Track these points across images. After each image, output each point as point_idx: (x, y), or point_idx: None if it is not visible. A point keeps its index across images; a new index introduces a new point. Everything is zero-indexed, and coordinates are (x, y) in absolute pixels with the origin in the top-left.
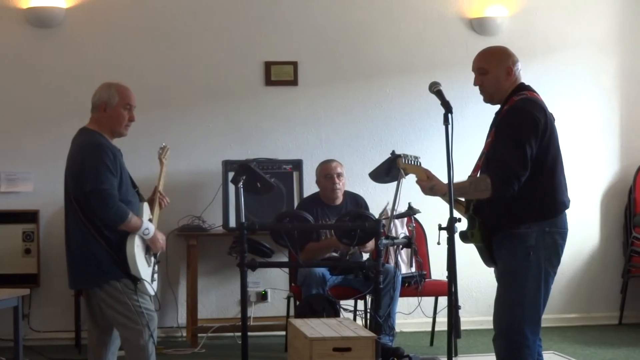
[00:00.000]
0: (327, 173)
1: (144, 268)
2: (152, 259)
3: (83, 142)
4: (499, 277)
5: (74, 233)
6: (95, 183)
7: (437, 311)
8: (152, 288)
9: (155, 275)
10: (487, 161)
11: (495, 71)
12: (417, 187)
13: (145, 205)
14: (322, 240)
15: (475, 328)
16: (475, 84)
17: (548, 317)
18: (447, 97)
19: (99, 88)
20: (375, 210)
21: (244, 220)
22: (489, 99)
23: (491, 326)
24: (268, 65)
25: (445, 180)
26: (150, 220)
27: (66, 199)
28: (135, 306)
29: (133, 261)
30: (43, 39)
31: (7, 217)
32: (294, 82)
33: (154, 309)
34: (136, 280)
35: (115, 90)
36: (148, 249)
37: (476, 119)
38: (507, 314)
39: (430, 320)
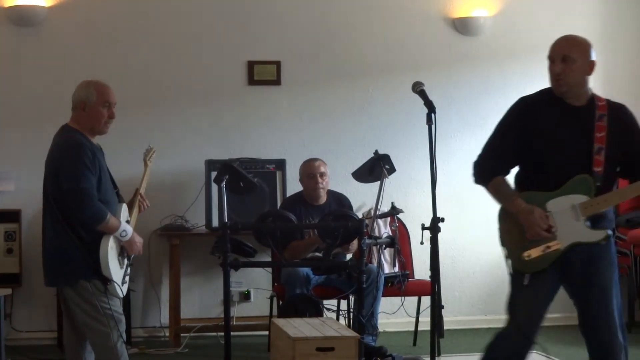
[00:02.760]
0: (309, 172)
1: (116, 270)
2: (126, 261)
3: (62, 140)
4: (602, 288)
5: (49, 230)
6: (74, 182)
7: (420, 311)
8: (121, 291)
9: (127, 278)
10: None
11: (581, 62)
12: (400, 187)
13: (124, 207)
14: (305, 239)
15: (458, 328)
16: (555, 71)
17: None
18: (430, 97)
19: (78, 86)
20: (358, 211)
21: (226, 220)
22: (566, 88)
23: (474, 326)
24: (251, 65)
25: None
26: (127, 222)
27: (44, 196)
28: (104, 308)
29: (105, 262)
30: (25, 37)
31: None
32: (277, 82)
33: (122, 312)
34: (107, 281)
35: (94, 89)
36: (122, 251)
37: (459, 119)
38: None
39: (413, 320)
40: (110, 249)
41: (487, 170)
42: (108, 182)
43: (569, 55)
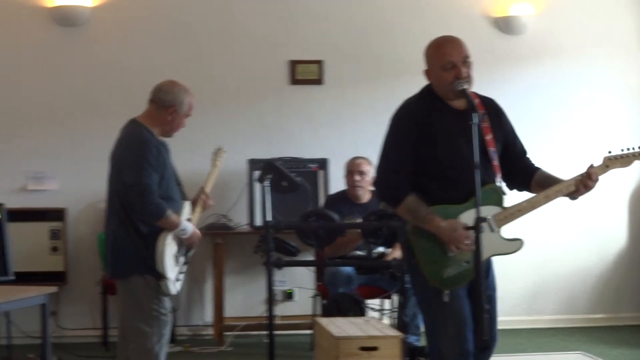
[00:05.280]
0: (350, 169)
1: (171, 267)
2: (182, 259)
3: (128, 134)
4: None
5: (111, 223)
6: (136, 178)
7: None
8: (174, 287)
9: (182, 276)
10: (518, 154)
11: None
12: None
13: (187, 204)
14: (347, 236)
15: (500, 328)
16: (463, 75)
17: (575, 318)
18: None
19: (173, 87)
20: None
21: (270, 219)
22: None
23: (516, 326)
24: (293, 64)
25: None
26: (189, 220)
27: (109, 189)
28: (152, 309)
29: (161, 258)
30: (69, 37)
31: (34, 215)
32: (319, 81)
33: (169, 311)
34: (160, 277)
35: (189, 101)
36: (180, 249)
37: None
38: None
39: None
40: (167, 246)
41: (396, 190)
42: (172, 179)
43: (469, 56)
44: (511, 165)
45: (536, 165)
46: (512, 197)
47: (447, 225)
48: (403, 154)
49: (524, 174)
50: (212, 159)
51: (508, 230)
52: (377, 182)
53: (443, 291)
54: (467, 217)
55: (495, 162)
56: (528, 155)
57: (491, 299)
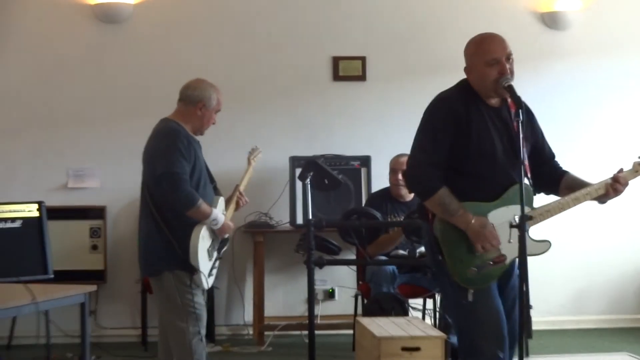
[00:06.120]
0: (392, 167)
1: (204, 261)
2: (215, 254)
3: (159, 129)
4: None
5: (142, 220)
6: (167, 166)
7: None
8: (207, 282)
9: (214, 271)
10: (547, 157)
11: None
12: None
13: (221, 199)
14: (390, 233)
15: (547, 328)
16: (505, 72)
17: (621, 318)
18: (518, 92)
19: (200, 84)
20: None
21: (311, 217)
22: None
23: (563, 326)
24: (336, 61)
25: None
26: (223, 214)
27: (142, 187)
28: (185, 304)
29: (195, 251)
30: (111, 34)
31: (75, 213)
32: (362, 78)
33: (204, 304)
34: (193, 271)
35: (217, 95)
36: (213, 243)
37: (547, 115)
38: None
39: None
40: (201, 239)
41: (429, 181)
42: (203, 171)
43: (511, 53)
44: (539, 167)
45: (564, 168)
46: (538, 199)
47: (477, 222)
48: (439, 147)
49: (552, 177)
50: (248, 158)
51: (553, 231)
52: (408, 174)
53: (468, 290)
54: (497, 215)
55: (526, 162)
56: (556, 159)
57: (515, 300)
